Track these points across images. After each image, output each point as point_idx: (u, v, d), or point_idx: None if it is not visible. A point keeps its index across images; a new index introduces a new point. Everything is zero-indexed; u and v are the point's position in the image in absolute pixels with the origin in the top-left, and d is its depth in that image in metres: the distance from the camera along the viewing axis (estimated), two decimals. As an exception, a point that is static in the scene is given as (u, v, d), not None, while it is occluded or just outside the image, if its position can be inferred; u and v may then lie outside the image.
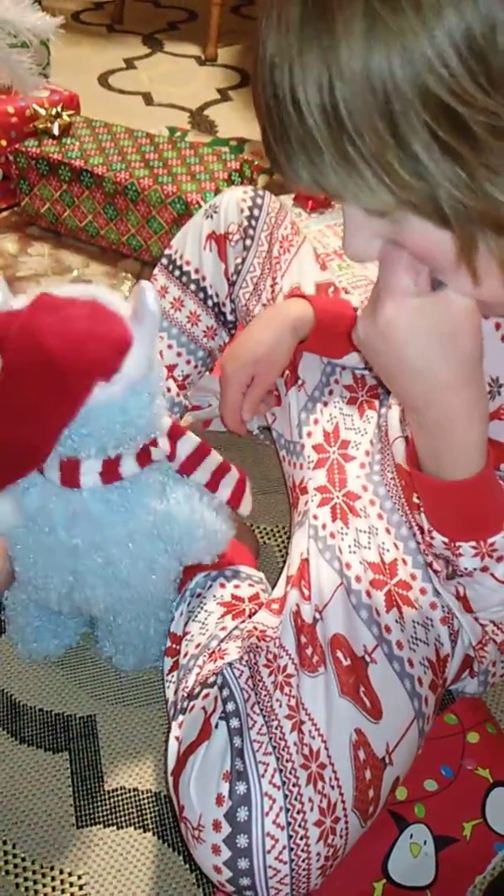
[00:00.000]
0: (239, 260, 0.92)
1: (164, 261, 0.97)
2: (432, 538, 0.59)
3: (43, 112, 1.52)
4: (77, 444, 0.63)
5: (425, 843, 0.73)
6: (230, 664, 0.69)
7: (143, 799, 0.77)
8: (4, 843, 0.74)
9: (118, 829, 0.75)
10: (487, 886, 0.71)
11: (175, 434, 0.71)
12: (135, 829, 0.75)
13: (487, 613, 0.65)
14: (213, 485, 0.75)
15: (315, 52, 0.39)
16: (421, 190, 0.40)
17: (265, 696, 0.65)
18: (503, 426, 0.59)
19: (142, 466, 0.68)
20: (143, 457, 0.68)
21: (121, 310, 0.62)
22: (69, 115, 1.54)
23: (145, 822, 0.76)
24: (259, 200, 0.93)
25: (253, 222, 0.92)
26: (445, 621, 0.72)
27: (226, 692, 0.67)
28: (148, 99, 2.16)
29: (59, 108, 1.54)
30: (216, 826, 0.61)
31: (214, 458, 0.75)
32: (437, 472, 0.55)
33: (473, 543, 0.57)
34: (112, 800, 0.77)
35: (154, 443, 0.69)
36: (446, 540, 0.58)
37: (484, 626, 0.74)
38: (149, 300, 0.60)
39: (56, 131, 1.50)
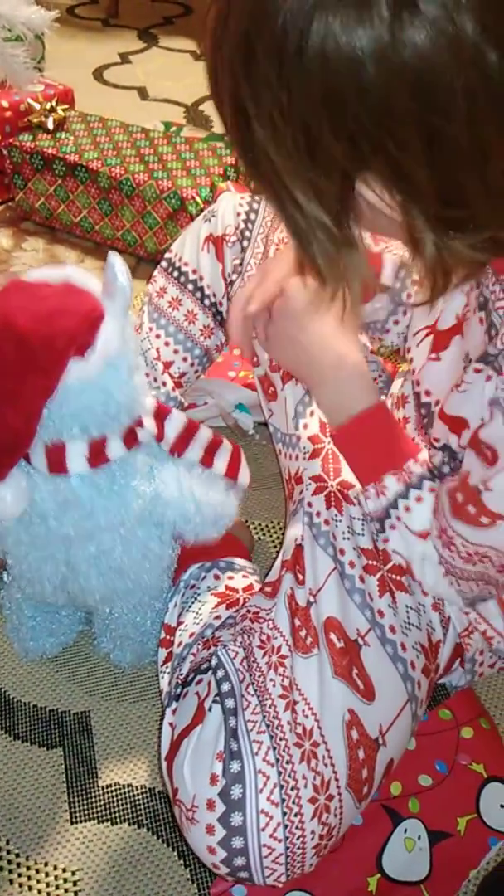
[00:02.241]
0: (237, 261, 0.94)
1: (164, 263, 0.98)
2: (365, 497, 0.69)
3: (37, 106, 1.52)
4: (59, 425, 0.62)
5: (419, 837, 0.73)
6: (225, 646, 0.70)
7: (138, 795, 0.77)
8: (-2, 839, 0.74)
9: (112, 825, 0.75)
10: (482, 881, 0.71)
11: (161, 414, 0.71)
12: (129, 825, 0.75)
13: (436, 588, 0.68)
14: (207, 460, 0.75)
15: None
16: None
17: (259, 676, 0.66)
18: (464, 398, 0.63)
19: (128, 448, 0.67)
20: (130, 438, 0.67)
21: (92, 287, 0.62)
22: (64, 110, 1.53)
23: (140, 818, 0.76)
24: (255, 206, 0.95)
25: (249, 226, 0.94)
26: (437, 607, 0.73)
27: (220, 673, 0.68)
28: (143, 94, 2.15)
29: (53, 103, 1.53)
30: (210, 805, 0.61)
31: (205, 433, 0.74)
32: (341, 419, 0.70)
33: (372, 484, 0.68)
34: (106, 796, 0.77)
35: (139, 423, 0.68)
36: (367, 489, 0.69)
37: (467, 614, 0.74)
38: (118, 273, 0.60)
39: (50, 126, 1.50)
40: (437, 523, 0.64)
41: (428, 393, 0.70)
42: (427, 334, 0.72)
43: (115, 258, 0.61)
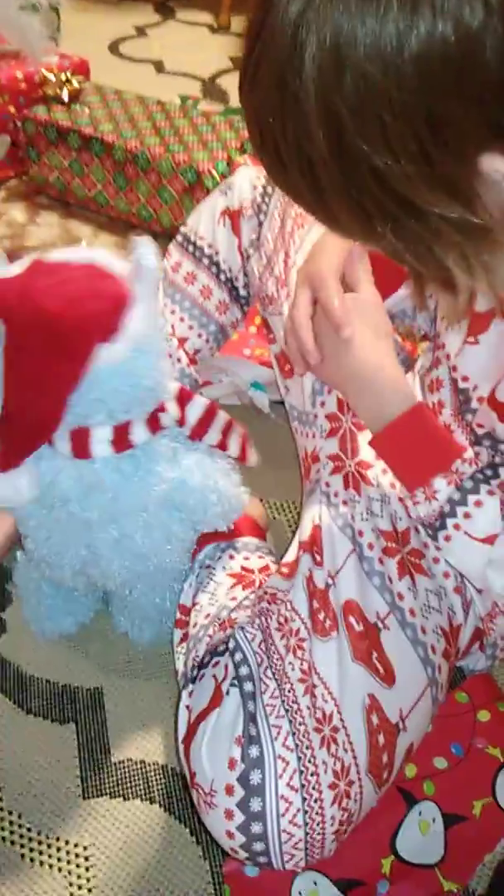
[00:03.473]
0: (254, 235, 0.92)
1: (179, 238, 0.97)
2: (414, 503, 0.65)
3: (52, 78, 1.49)
4: (86, 410, 0.62)
5: (434, 820, 0.72)
6: (242, 628, 0.69)
7: (150, 771, 0.77)
8: (10, 813, 0.74)
9: (124, 800, 0.75)
10: (498, 865, 0.70)
11: (183, 398, 0.70)
12: (141, 800, 0.75)
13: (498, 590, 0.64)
14: (223, 443, 0.74)
15: None
16: None
17: (277, 659, 0.65)
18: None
19: (152, 433, 0.67)
20: (153, 423, 0.67)
21: (119, 269, 0.60)
22: (79, 81, 1.51)
23: (152, 795, 0.75)
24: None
25: (266, 199, 0.92)
26: (458, 591, 0.72)
27: (238, 656, 0.67)
28: (159, 67, 2.12)
29: (68, 74, 1.50)
30: (229, 790, 0.61)
31: (222, 416, 0.74)
32: (382, 424, 0.66)
33: (420, 489, 0.64)
34: (119, 771, 0.77)
35: (163, 407, 0.67)
36: (416, 495, 0.65)
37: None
38: (146, 256, 0.58)
39: (65, 97, 1.47)
40: None
41: (466, 378, 0.67)
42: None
43: (142, 241, 0.59)
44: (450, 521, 0.63)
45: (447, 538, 0.64)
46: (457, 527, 0.63)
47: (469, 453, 0.64)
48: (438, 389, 0.74)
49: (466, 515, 0.62)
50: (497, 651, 0.78)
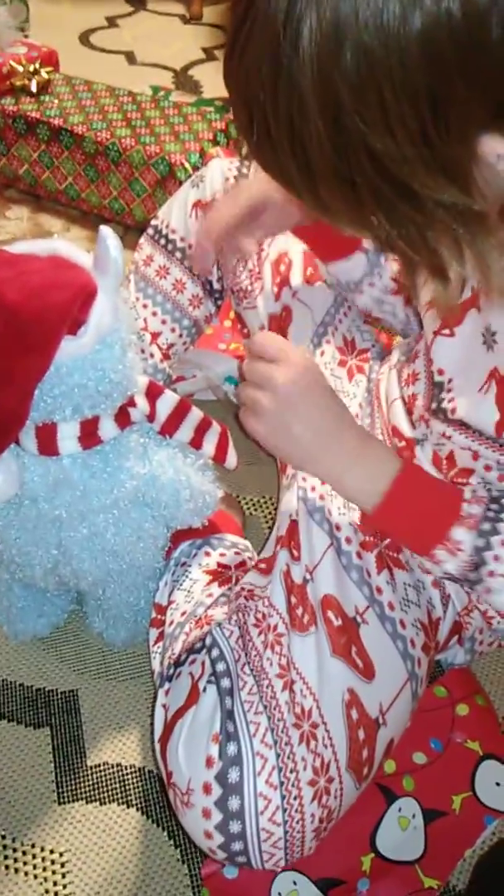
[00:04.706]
0: None
1: (150, 231, 0.95)
2: (436, 562, 0.61)
3: (20, 69, 1.46)
4: (51, 405, 0.60)
5: (414, 816, 0.72)
6: (219, 624, 0.68)
7: (127, 774, 0.76)
8: (-16, 820, 0.72)
9: (101, 804, 0.74)
10: (478, 861, 0.70)
11: (153, 393, 0.69)
12: (118, 804, 0.74)
13: None
14: (197, 441, 0.73)
15: None
16: None
17: (255, 655, 0.65)
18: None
19: (121, 428, 0.65)
20: (122, 418, 0.65)
21: (82, 260, 0.59)
22: (48, 72, 1.48)
23: (129, 798, 0.74)
24: (245, 171, 0.92)
25: None
26: (437, 584, 0.71)
27: (215, 652, 0.66)
28: (131, 58, 2.09)
29: (37, 65, 1.48)
30: (206, 789, 0.60)
31: (196, 413, 0.73)
32: (378, 498, 0.62)
33: (441, 545, 0.60)
34: (95, 775, 0.75)
35: (132, 402, 0.66)
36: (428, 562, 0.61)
37: (469, 593, 0.73)
38: (110, 247, 0.57)
39: (34, 89, 1.44)
40: None
41: (441, 371, 0.66)
42: (429, 308, 0.68)
43: (107, 231, 0.58)
44: (483, 570, 0.59)
45: (488, 590, 0.60)
46: (491, 574, 0.59)
47: (467, 492, 0.61)
48: (414, 382, 0.73)
49: (496, 559, 0.58)
50: (476, 645, 0.77)
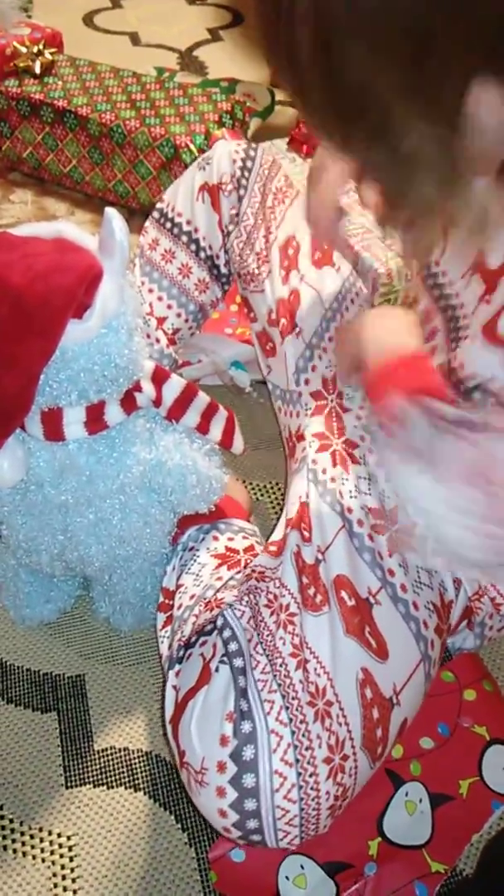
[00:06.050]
0: (234, 211, 0.90)
1: (156, 214, 0.94)
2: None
3: (24, 50, 1.45)
4: (57, 390, 0.60)
5: (421, 801, 0.72)
6: (230, 606, 0.68)
7: (134, 758, 0.76)
8: (-8, 804, 0.72)
9: (108, 788, 0.74)
10: (485, 846, 0.70)
11: (159, 377, 0.68)
12: (125, 788, 0.74)
13: None
14: (204, 426, 0.72)
15: None
16: None
17: (268, 635, 0.65)
18: None
19: (127, 413, 0.65)
20: (128, 402, 0.65)
21: (87, 243, 0.58)
22: (52, 54, 1.47)
23: (136, 782, 0.74)
24: (252, 153, 0.91)
25: (246, 173, 0.90)
26: None
27: (227, 633, 0.66)
28: (135, 39, 2.07)
29: (41, 46, 1.46)
30: (220, 767, 0.60)
31: (202, 398, 0.72)
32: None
33: None
34: (102, 760, 0.76)
35: (138, 387, 0.65)
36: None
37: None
38: (116, 229, 0.56)
39: (38, 70, 1.43)
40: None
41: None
42: (472, 273, 0.64)
43: (112, 213, 0.57)
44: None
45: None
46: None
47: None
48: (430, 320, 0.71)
49: None
50: (486, 630, 0.77)
